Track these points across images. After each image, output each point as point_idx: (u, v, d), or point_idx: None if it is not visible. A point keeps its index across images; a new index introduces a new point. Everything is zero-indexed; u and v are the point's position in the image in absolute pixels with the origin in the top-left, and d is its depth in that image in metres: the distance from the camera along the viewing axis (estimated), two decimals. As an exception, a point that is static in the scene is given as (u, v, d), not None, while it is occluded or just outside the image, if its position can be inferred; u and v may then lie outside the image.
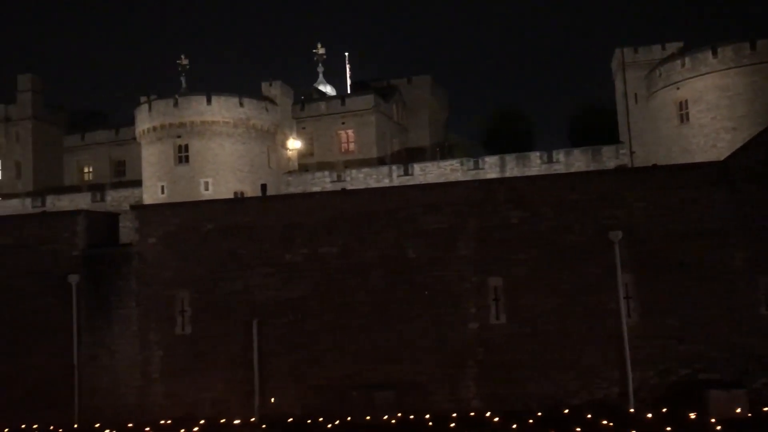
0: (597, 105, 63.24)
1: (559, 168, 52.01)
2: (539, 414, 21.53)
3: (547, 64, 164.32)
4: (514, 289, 23.00)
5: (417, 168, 54.20)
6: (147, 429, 23.21)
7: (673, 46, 56.84)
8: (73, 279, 25.39)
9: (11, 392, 25.61)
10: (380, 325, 23.58)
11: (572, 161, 53.37)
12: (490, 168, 53.31)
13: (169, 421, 23.83)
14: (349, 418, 22.36)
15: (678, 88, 52.72)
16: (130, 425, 23.80)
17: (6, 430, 24.65)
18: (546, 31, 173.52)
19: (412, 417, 22.22)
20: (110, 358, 25.30)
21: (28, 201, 57.10)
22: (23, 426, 24.82)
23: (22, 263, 26.25)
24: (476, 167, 53.62)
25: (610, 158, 53.52)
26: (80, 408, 25.10)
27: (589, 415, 20.92)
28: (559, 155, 53.93)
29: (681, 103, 52.86)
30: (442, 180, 49.12)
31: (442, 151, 63.14)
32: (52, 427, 24.51)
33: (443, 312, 23.26)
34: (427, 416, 22.06)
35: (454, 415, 22.06)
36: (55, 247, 26.03)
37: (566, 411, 21.63)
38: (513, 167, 53.18)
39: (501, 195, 23.69)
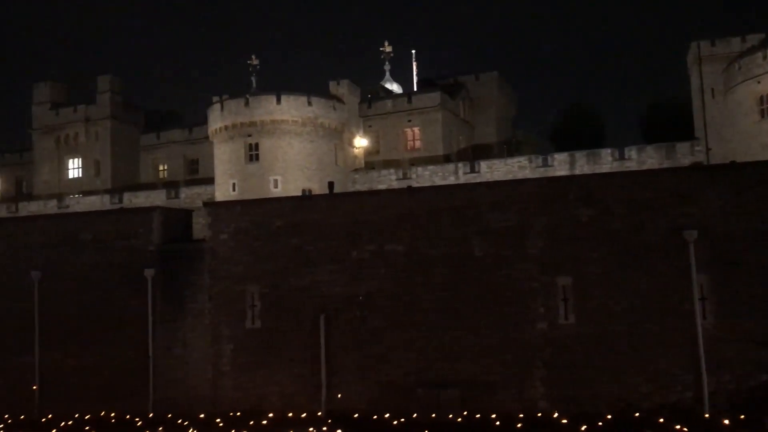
0: (671, 100, 61.17)
1: (631, 165, 50.57)
2: (609, 417, 21.05)
3: (618, 58, 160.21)
4: (584, 288, 22.54)
5: (484, 165, 53.68)
6: (218, 420, 23.78)
7: (753, 38, 54.29)
8: (149, 273, 26.29)
9: (91, 381, 26.73)
10: (446, 323, 23.51)
11: (645, 158, 51.81)
12: (560, 165, 52.30)
13: (238, 414, 24.39)
14: (414, 416, 22.40)
15: (759, 82, 50.38)
16: (202, 416, 24.47)
17: (87, 417, 25.73)
18: (617, 24, 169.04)
19: (477, 416, 22.09)
20: (183, 351, 26.10)
21: (106, 198, 59.36)
22: (102, 413, 25.86)
23: (101, 257, 27.37)
24: (545, 164, 52.68)
25: (684, 155, 51.70)
26: (155, 398, 25.99)
27: (662, 420, 20.33)
28: (632, 152, 52.44)
29: (762, 97, 50.51)
30: (509, 177, 48.39)
31: (509, 148, 62.36)
32: (128, 416, 25.43)
33: (510, 311, 23.02)
34: (493, 416, 21.88)
35: (521, 415, 21.81)
36: (132, 242, 27.03)
37: (637, 414, 21.08)
38: (583, 164, 52.01)
39: (571, 193, 23.25)
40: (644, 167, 48.15)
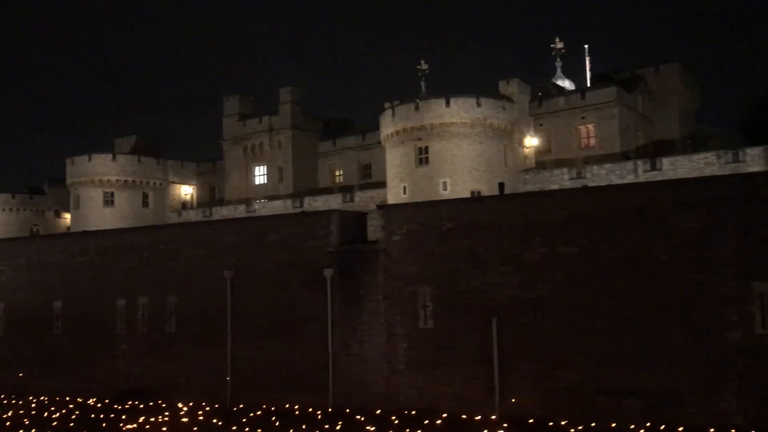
0: None
1: (839, 158, 45.24)
2: (818, 438, 18.95)
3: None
4: (784, 295, 20.46)
5: (666, 162, 50.47)
6: (393, 418, 24.34)
7: None
8: (328, 273, 27.54)
9: (276, 374, 28.49)
10: (626, 330, 22.38)
11: None
12: (753, 161, 47.88)
13: (413, 412, 24.82)
14: (593, 425, 21.57)
15: None
16: (378, 412, 25.18)
17: (273, 408, 27.44)
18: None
19: (662, 428, 20.83)
20: (360, 348, 27.03)
21: (288, 202, 63.04)
22: (287, 406, 27.47)
23: (285, 258, 29.09)
24: (735, 160, 48.49)
25: None
26: (334, 393, 27.14)
27: None
28: (839, 144, 46.87)
29: None
30: (694, 175, 45.23)
31: (694, 144, 58.15)
32: (310, 410, 26.77)
33: (698, 318, 21.44)
34: (680, 429, 20.54)
35: (712, 430, 20.30)
36: (313, 243, 28.46)
37: None
38: (780, 159, 47.27)
39: (767, 190, 21.22)
40: None
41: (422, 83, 66.09)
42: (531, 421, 22.78)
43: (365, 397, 26.40)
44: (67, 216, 77.07)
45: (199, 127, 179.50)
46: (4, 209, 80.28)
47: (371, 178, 66.41)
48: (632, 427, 21.02)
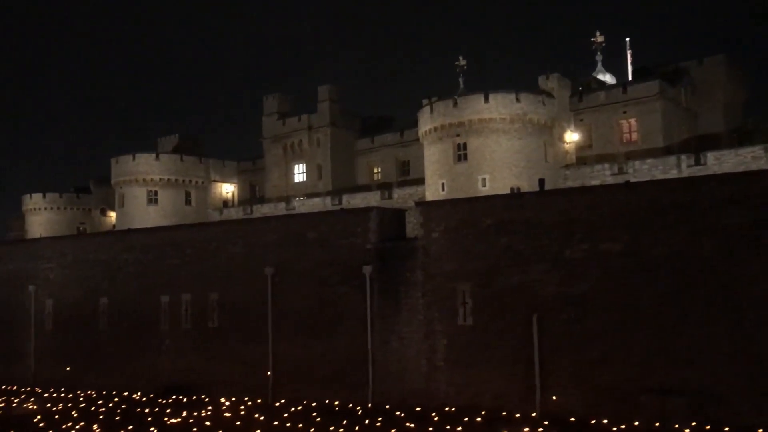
0: None
1: None
2: None
3: None
4: (836, 292, 19.85)
5: (711, 157, 49.35)
6: (433, 414, 24.32)
7: None
8: (367, 270, 27.64)
9: (316, 370, 28.71)
10: (671, 327, 21.97)
11: None
12: (802, 154, 46.54)
13: (453, 409, 24.77)
14: (636, 423, 21.25)
15: None
16: (418, 409, 25.19)
17: (314, 404, 27.67)
18: None
19: (708, 428, 20.41)
20: (399, 345, 27.07)
21: (327, 199, 63.42)
22: (327, 401, 27.66)
23: (324, 255, 29.28)
24: (784, 153, 47.19)
25: None
26: (373, 389, 27.23)
27: None
28: None
29: None
30: (741, 169, 44.12)
31: (740, 137, 56.70)
32: (350, 405, 26.91)
33: (747, 316, 20.93)
34: (727, 429, 20.08)
35: (760, 430, 19.76)
36: (351, 240, 28.58)
37: None
38: (832, 152, 45.83)
39: (818, 184, 20.62)
40: None
41: (460, 79, 65.77)
42: (572, 419, 22.53)
43: (404, 393, 26.43)
44: (113, 214, 78.82)
45: (240, 126, 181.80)
46: (52, 208, 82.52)
47: (409, 175, 66.36)
48: (677, 426, 20.65)
